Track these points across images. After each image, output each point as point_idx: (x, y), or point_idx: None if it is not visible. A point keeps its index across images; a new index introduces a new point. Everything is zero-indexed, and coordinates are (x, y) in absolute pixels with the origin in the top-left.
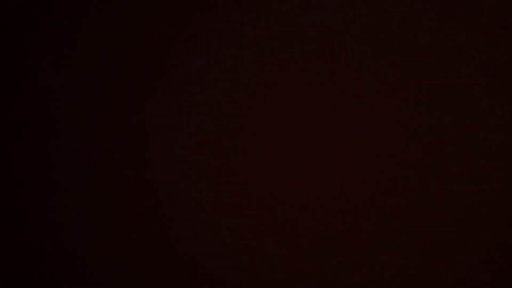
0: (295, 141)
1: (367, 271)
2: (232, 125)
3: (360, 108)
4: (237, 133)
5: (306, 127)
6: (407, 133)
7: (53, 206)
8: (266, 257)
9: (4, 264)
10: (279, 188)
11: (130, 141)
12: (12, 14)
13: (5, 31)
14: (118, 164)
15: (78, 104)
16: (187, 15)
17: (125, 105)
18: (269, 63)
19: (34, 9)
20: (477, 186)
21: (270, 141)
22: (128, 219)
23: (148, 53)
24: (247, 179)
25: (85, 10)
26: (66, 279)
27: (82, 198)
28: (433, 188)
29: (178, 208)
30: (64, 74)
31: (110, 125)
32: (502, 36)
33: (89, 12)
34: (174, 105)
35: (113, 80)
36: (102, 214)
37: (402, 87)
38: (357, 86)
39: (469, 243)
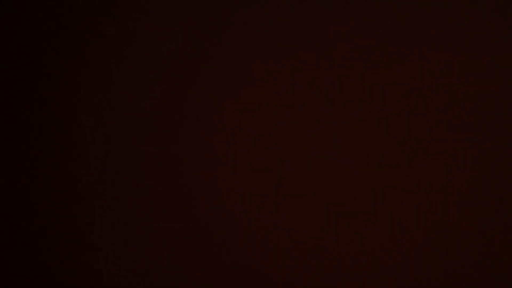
0: (291, 140)
1: (366, 270)
2: (229, 125)
3: (355, 108)
4: (234, 132)
5: (302, 125)
6: (403, 133)
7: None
8: (261, 257)
9: (4, 264)
10: (276, 187)
11: (128, 140)
12: (13, 13)
13: (5, 31)
14: (115, 163)
15: (77, 102)
16: (183, 14)
17: (122, 103)
18: (265, 61)
19: (35, 9)
20: (475, 185)
21: (266, 140)
22: (127, 217)
23: (146, 52)
24: (244, 178)
25: (83, 10)
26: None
27: (82, 197)
28: (433, 189)
29: (177, 207)
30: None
31: (107, 123)
32: (502, 37)
33: (86, 12)
34: (170, 103)
35: (109, 79)
36: (101, 213)
37: (397, 86)
38: (351, 85)
39: (464, 241)
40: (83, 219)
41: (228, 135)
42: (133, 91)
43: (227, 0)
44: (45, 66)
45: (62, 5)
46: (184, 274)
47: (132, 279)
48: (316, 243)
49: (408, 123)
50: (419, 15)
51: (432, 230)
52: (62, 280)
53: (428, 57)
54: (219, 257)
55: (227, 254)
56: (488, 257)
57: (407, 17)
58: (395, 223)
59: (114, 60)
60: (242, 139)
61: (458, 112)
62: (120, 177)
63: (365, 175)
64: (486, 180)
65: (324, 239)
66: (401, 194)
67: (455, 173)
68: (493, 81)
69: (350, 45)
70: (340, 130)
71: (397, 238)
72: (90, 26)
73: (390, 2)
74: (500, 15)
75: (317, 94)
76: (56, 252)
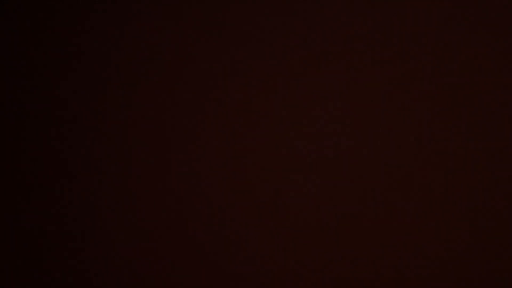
0: (293, 141)
1: (367, 272)
2: (232, 125)
3: (361, 108)
4: (237, 133)
5: (303, 126)
6: (407, 133)
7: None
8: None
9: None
10: (277, 188)
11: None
12: (13, 14)
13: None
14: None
15: (80, 103)
16: (182, 14)
17: (124, 104)
18: (266, 62)
19: (36, 10)
20: (478, 186)
21: (267, 141)
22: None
23: (152, 54)
24: (246, 180)
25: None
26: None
27: (79, 197)
28: (435, 189)
29: (175, 208)
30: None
31: (108, 125)
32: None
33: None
34: (167, 103)
35: (108, 80)
36: (101, 214)
37: (401, 87)
38: (356, 86)
39: (469, 245)
40: (79, 221)
41: (225, 137)
42: (126, 91)
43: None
44: (43, 65)
45: (60, 3)
46: (178, 278)
47: (127, 280)
48: (315, 248)
49: (409, 123)
50: (419, 16)
51: (432, 232)
52: (59, 280)
53: (428, 58)
54: (213, 263)
55: (222, 261)
56: (491, 260)
57: (407, 17)
58: (396, 225)
59: (110, 60)
60: (239, 141)
61: (459, 113)
62: (116, 178)
63: (366, 177)
64: (486, 180)
65: (323, 243)
66: (402, 196)
67: (455, 175)
68: (492, 81)
69: (351, 45)
70: (340, 130)
71: (399, 240)
72: (86, 25)
73: (389, 3)
74: (500, 16)
75: (316, 94)
76: (53, 252)
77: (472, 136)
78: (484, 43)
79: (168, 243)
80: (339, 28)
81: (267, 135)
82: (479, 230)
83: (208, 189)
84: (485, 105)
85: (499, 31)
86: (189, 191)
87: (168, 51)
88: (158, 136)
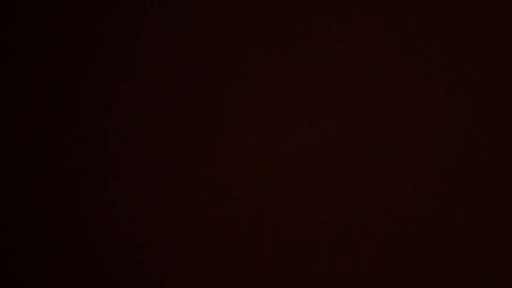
0: (289, 142)
1: (364, 272)
2: (228, 126)
3: (357, 109)
4: (232, 134)
5: (301, 127)
6: (406, 134)
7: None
8: (259, 259)
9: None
10: (274, 189)
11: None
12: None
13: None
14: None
15: (75, 103)
16: (181, 14)
17: (120, 106)
18: (263, 62)
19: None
20: (478, 187)
21: (263, 142)
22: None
23: (145, 53)
24: (241, 181)
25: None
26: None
27: (89, 199)
28: (434, 190)
29: (172, 209)
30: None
31: (105, 126)
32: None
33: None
34: (168, 105)
35: (106, 81)
36: (100, 215)
37: (401, 87)
38: (354, 87)
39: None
40: (90, 220)
41: (234, 136)
42: (136, 93)
43: (230, 3)
44: (46, 65)
45: (67, 5)
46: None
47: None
48: (313, 249)
49: (408, 123)
50: (418, 19)
51: (431, 232)
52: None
53: (427, 61)
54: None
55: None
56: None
57: (406, 22)
58: (394, 227)
59: (119, 62)
60: (247, 141)
61: (457, 113)
62: (126, 179)
63: (363, 177)
64: (486, 181)
65: (321, 243)
66: (400, 196)
67: (455, 175)
68: (493, 81)
69: (357, 49)
70: (337, 131)
71: (397, 242)
72: (94, 27)
73: (389, 7)
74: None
75: (315, 94)
76: (56, 252)
77: (471, 136)
78: (484, 42)
79: (168, 244)
80: (337, 28)
81: (267, 135)
82: (479, 230)
83: (205, 190)
84: (485, 105)
85: (500, 30)
86: (184, 191)
87: (168, 52)
88: (157, 135)
